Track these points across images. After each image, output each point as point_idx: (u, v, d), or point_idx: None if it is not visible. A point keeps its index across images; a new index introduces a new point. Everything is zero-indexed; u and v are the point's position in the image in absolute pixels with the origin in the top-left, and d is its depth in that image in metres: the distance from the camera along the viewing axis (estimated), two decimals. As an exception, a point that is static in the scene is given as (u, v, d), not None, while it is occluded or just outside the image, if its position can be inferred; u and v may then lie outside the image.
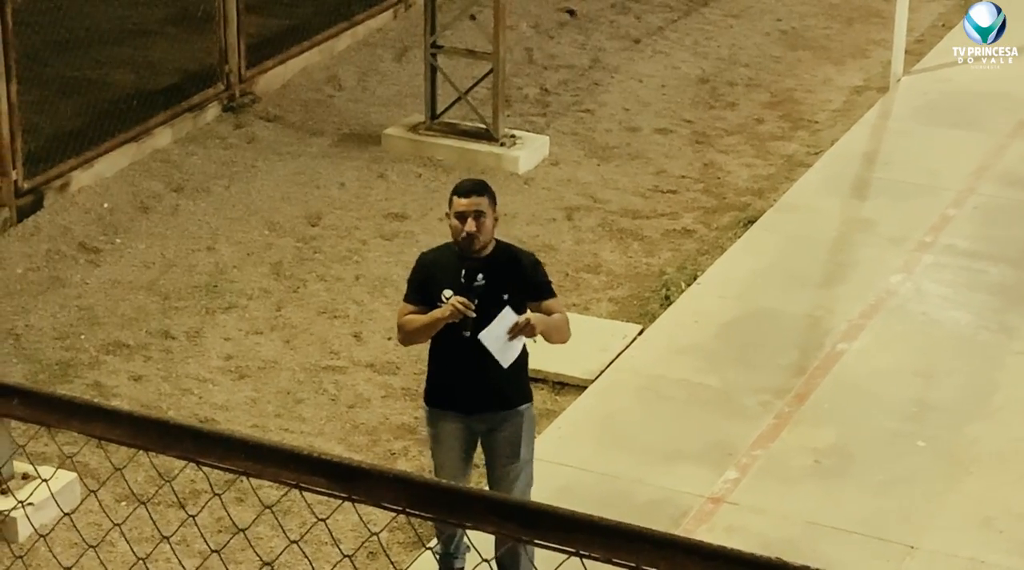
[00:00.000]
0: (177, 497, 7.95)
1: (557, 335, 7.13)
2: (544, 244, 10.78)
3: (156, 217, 11.00)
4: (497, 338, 6.89)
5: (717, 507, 8.14)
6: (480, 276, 6.96)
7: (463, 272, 6.97)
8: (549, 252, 10.67)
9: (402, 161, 11.90)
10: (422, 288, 7.08)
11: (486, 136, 11.94)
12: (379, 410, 8.98)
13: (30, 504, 7.31)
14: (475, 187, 7.06)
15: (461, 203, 6.97)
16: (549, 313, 7.04)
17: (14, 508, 7.47)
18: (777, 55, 14.07)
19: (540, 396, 9.07)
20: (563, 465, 8.41)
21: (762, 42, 14.32)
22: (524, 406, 7.19)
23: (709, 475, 8.37)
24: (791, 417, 8.88)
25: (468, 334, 6.92)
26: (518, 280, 7.05)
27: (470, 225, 6.94)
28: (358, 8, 14.06)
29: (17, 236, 10.63)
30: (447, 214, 7.10)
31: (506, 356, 6.94)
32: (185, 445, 2.94)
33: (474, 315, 6.89)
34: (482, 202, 6.98)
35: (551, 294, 7.15)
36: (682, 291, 10.16)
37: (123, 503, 8.02)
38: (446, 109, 12.09)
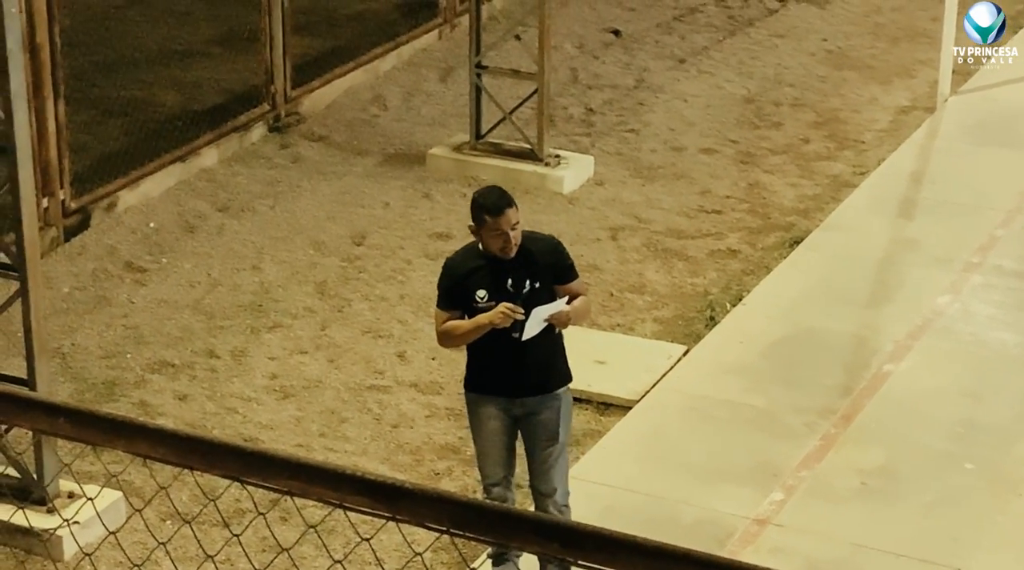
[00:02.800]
0: (222, 516, 7.97)
1: (581, 319, 7.48)
2: (589, 264, 10.77)
3: (201, 237, 11.04)
4: (533, 325, 7.09)
5: (762, 528, 8.10)
6: (528, 282, 7.13)
7: (509, 280, 7.10)
8: (594, 272, 10.66)
9: (447, 181, 11.91)
10: (454, 293, 7.22)
11: (531, 156, 11.94)
12: (423, 430, 8.98)
13: (76, 523, 7.36)
14: (504, 200, 7.10)
15: (498, 223, 7.04)
16: (575, 293, 7.28)
17: (59, 526, 7.50)
18: (823, 75, 14.02)
19: (585, 416, 9.06)
20: (607, 485, 8.38)
21: (807, 62, 14.28)
22: (562, 389, 7.33)
23: (754, 496, 8.33)
24: (837, 438, 8.83)
25: (517, 336, 7.09)
26: (547, 268, 7.22)
27: (512, 240, 7.06)
28: (403, 28, 14.09)
29: (64, 255, 10.69)
30: (472, 227, 7.17)
31: (531, 331, 7.11)
32: (229, 464, 2.94)
33: (523, 318, 7.04)
34: (514, 214, 7.09)
35: (576, 275, 7.35)
36: (727, 311, 10.13)
37: (168, 522, 8.04)
38: (491, 129, 12.10)
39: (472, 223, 7.16)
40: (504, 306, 7.05)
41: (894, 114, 13.26)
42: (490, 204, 7.09)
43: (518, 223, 7.12)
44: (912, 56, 14.37)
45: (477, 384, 7.37)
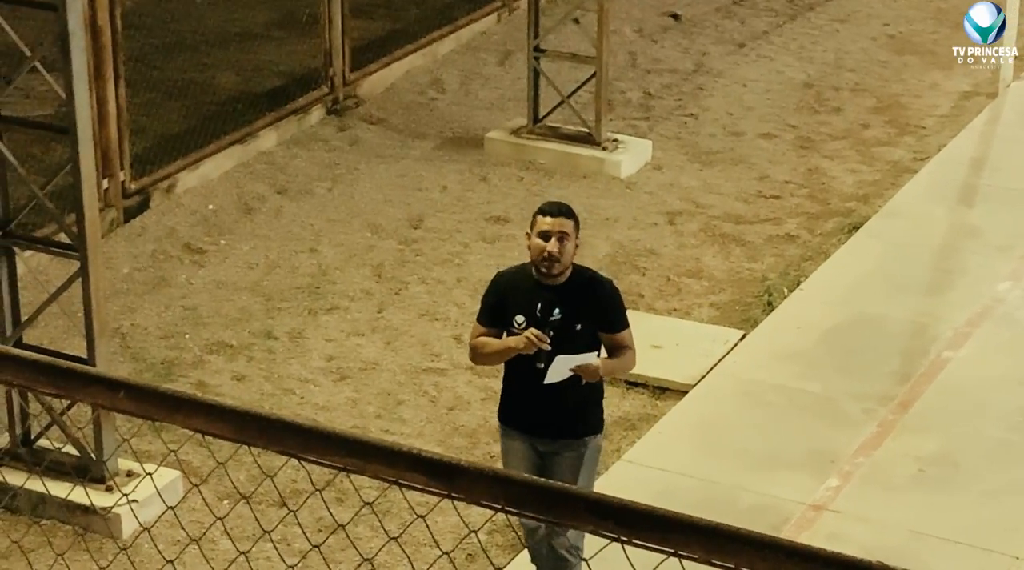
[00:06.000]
0: (280, 493, 8.01)
1: (618, 373, 7.14)
2: (646, 248, 10.75)
3: (260, 219, 11.09)
4: (557, 371, 6.73)
5: (819, 515, 8.07)
6: (557, 311, 6.75)
7: (539, 304, 6.77)
8: (651, 257, 10.64)
9: (504, 164, 11.91)
10: (495, 310, 6.91)
11: (588, 140, 11.92)
12: (479, 413, 8.99)
13: (134, 501, 7.42)
14: (561, 208, 6.83)
15: (546, 222, 6.74)
16: (620, 345, 6.88)
17: (117, 502, 7.56)
18: (884, 60, 13.92)
19: (640, 400, 9.05)
20: (663, 470, 8.37)
21: (868, 47, 14.18)
22: (590, 437, 6.96)
23: (810, 482, 8.30)
24: (895, 425, 8.78)
25: (541, 366, 6.74)
26: (594, 310, 6.84)
27: (553, 245, 6.69)
28: (461, 12, 14.09)
29: (124, 236, 10.76)
30: (527, 234, 6.86)
31: (555, 377, 6.75)
32: (287, 440, 2.94)
33: (549, 348, 6.70)
34: (567, 224, 6.75)
35: (624, 326, 6.92)
36: (785, 297, 10.08)
37: (225, 502, 8.09)
38: (548, 113, 12.09)
39: (528, 229, 6.88)
40: (531, 331, 6.71)
41: (955, 100, 13.16)
42: (546, 205, 6.86)
43: (568, 238, 6.73)
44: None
45: (504, 414, 7.07)
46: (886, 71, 13.70)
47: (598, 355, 6.85)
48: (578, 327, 6.77)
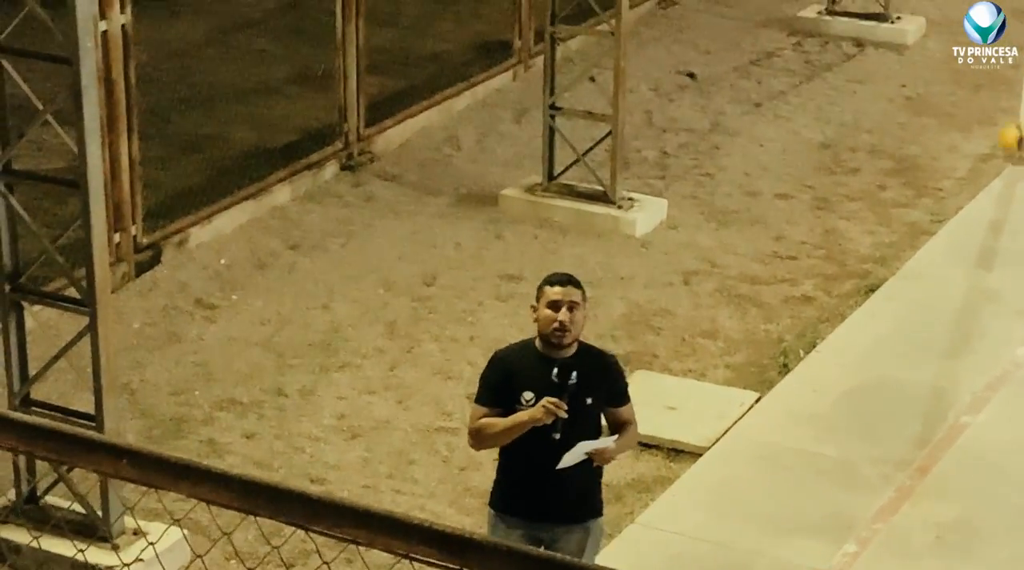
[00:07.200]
0: (284, 562, 7.90)
1: (624, 451, 7.06)
2: (661, 308, 10.66)
3: (273, 274, 11.02)
4: (574, 455, 6.57)
5: (835, 582, 7.94)
6: (574, 374, 6.59)
7: (554, 370, 6.59)
8: (666, 316, 10.55)
9: (519, 222, 11.84)
10: (499, 389, 6.66)
11: (603, 198, 11.86)
12: (491, 473, 8.83)
13: (139, 560, 7.31)
14: (570, 279, 6.70)
15: (555, 292, 6.60)
16: (625, 420, 6.77)
17: (123, 566, 7.45)
18: (901, 121, 13.87)
19: (654, 463, 8.93)
20: (676, 533, 8.25)
21: (886, 108, 14.14)
22: (592, 521, 6.80)
23: (827, 548, 8.17)
24: (913, 490, 8.66)
25: (558, 436, 6.50)
26: (603, 385, 6.71)
27: (563, 315, 6.54)
28: (477, 69, 14.07)
29: (135, 291, 10.70)
30: (533, 307, 6.69)
31: (569, 461, 6.60)
32: (295, 511, 2.88)
33: (566, 415, 6.48)
34: (576, 293, 6.62)
35: (629, 400, 6.82)
36: (801, 359, 9.99)
37: (232, 562, 7.98)
38: (564, 170, 12.04)
39: (534, 303, 6.73)
40: (547, 400, 6.47)
41: (973, 162, 13.09)
42: (553, 276, 6.75)
43: (577, 307, 6.60)
44: (993, 104, 14.19)
45: (502, 501, 6.83)
46: (904, 132, 13.64)
47: (615, 439, 6.68)
48: (588, 401, 6.63)
